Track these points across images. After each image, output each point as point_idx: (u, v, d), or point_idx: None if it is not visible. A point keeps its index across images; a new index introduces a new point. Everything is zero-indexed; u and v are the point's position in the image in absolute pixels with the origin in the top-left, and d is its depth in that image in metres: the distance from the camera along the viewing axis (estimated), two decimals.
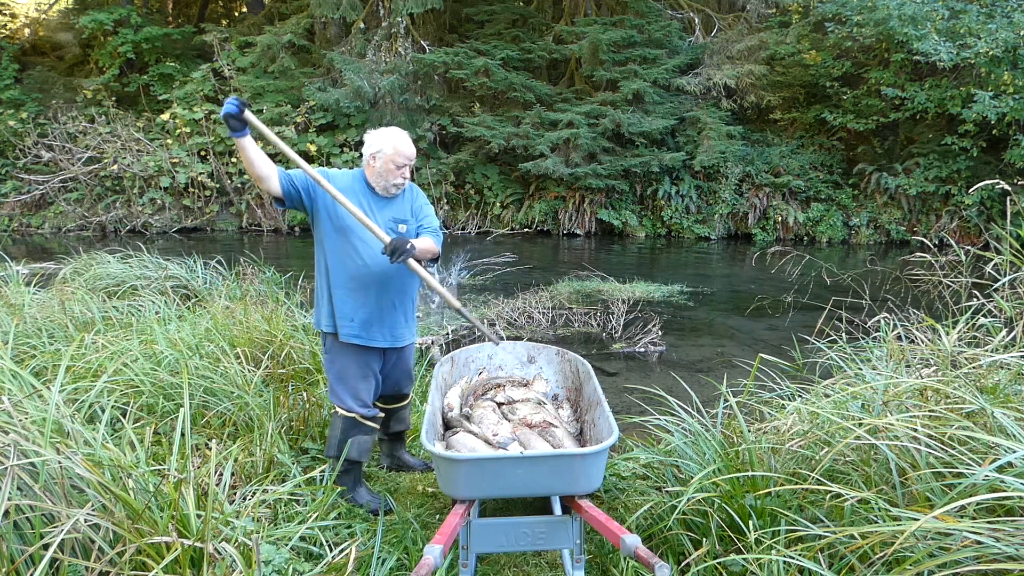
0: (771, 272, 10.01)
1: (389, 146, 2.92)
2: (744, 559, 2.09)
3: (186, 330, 4.07)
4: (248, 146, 2.68)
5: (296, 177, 2.86)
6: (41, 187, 14.76)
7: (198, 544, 2.03)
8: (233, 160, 14.72)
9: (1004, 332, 2.89)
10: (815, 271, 8.24)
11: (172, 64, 16.03)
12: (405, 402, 3.43)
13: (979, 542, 1.67)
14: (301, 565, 2.30)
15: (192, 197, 14.77)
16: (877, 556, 1.85)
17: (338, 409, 3.05)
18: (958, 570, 1.64)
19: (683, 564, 2.26)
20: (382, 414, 3.23)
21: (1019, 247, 3.03)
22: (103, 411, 2.99)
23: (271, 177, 2.79)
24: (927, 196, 13.45)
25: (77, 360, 3.34)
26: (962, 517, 1.81)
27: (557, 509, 2.82)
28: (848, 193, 14.15)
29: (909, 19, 11.79)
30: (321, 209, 2.93)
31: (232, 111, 2.56)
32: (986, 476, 1.84)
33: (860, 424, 2.28)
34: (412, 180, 3.13)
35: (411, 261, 2.78)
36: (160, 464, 2.62)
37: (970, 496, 1.82)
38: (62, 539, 1.89)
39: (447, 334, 6.22)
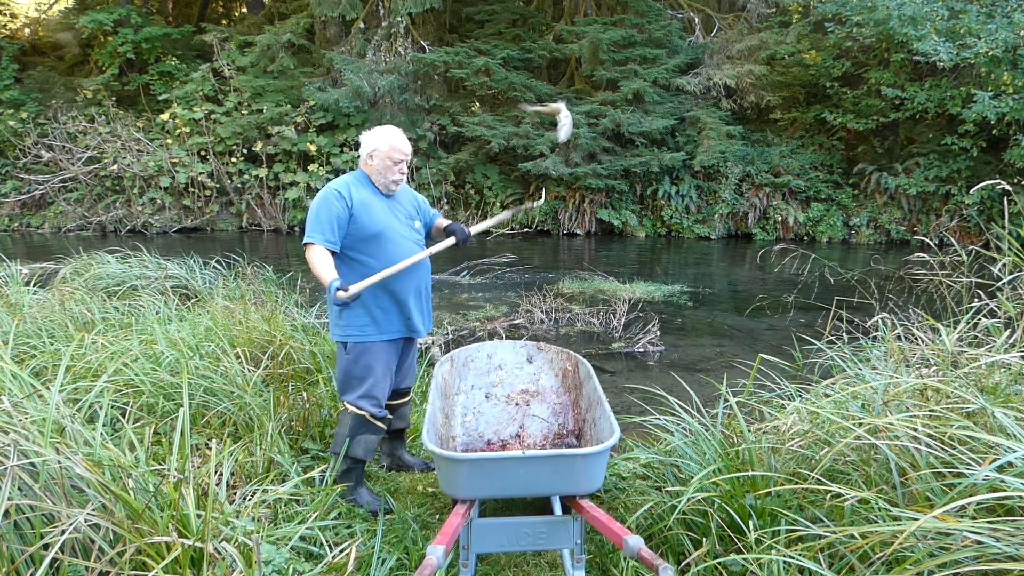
0: (771, 272, 10.01)
1: (384, 143, 3.00)
2: (744, 559, 2.09)
3: (186, 330, 4.07)
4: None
5: (334, 238, 2.96)
6: (41, 187, 14.77)
7: (198, 544, 2.03)
8: (233, 160, 14.73)
9: (1005, 333, 2.89)
10: (817, 270, 8.26)
11: (173, 62, 16.03)
12: (407, 398, 3.45)
13: (979, 542, 1.67)
14: (301, 565, 2.29)
15: (192, 197, 14.77)
16: (877, 556, 1.85)
17: (348, 406, 3.05)
18: (958, 570, 1.64)
19: (683, 564, 2.26)
20: (391, 416, 3.23)
21: (1021, 247, 3.03)
22: (103, 411, 2.99)
23: (328, 254, 2.96)
24: (927, 196, 13.45)
25: (77, 360, 3.33)
26: (962, 517, 1.81)
27: (557, 509, 2.82)
28: (848, 193, 14.15)
29: (909, 19, 11.79)
30: (351, 228, 3.00)
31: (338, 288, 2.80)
32: (986, 476, 1.84)
33: (860, 424, 2.28)
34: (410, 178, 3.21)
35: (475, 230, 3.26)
36: (160, 464, 2.62)
37: (970, 496, 1.82)
38: (63, 539, 1.89)
39: (447, 334, 6.22)
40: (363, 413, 3.04)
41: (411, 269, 3.01)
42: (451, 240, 3.16)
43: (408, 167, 3.11)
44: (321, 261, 2.93)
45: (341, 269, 2.99)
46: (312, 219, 2.97)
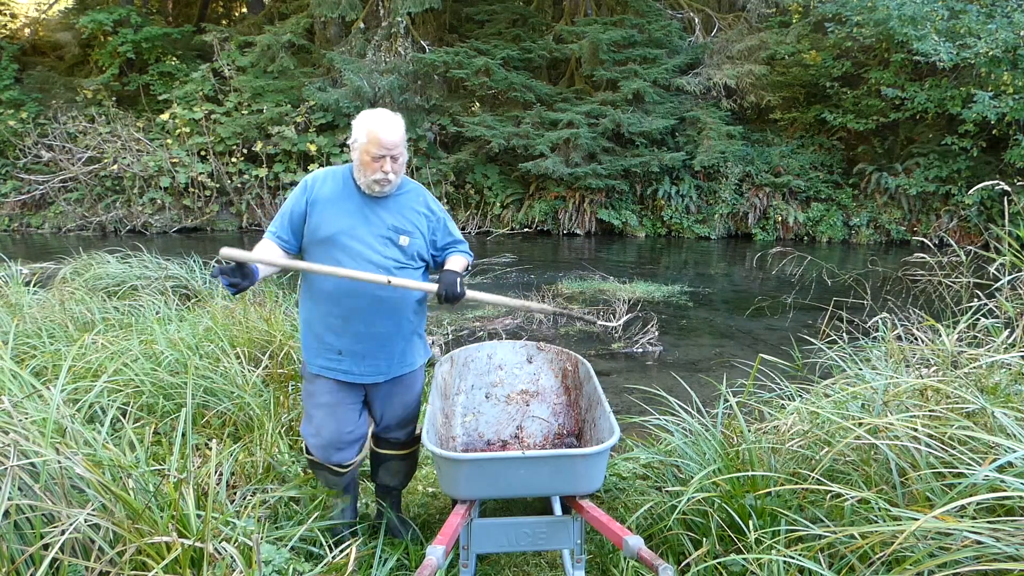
0: (771, 272, 10.01)
1: (363, 132, 2.41)
2: (744, 559, 2.09)
3: (186, 330, 4.07)
4: (262, 274, 2.38)
5: (283, 233, 2.51)
6: (41, 187, 14.76)
7: (198, 544, 2.03)
8: (233, 160, 14.72)
9: (1005, 332, 2.89)
10: (816, 271, 8.26)
11: (173, 62, 16.02)
12: (395, 452, 2.75)
13: (979, 542, 1.67)
14: (301, 565, 2.29)
15: (192, 197, 14.76)
16: (877, 556, 1.85)
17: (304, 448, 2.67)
18: (958, 570, 1.64)
19: (683, 564, 2.26)
20: (356, 460, 2.68)
21: (1020, 247, 3.03)
22: (103, 411, 2.99)
23: (279, 255, 2.50)
24: (927, 196, 13.45)
25: (77, 360, 3.33)
26: (962, 517, 1.81)
27: (558, 509, 2.82)
28: (848, 193, 14.15)
29: (909, 19, 11.78)
30: (305, 229, 2.52)
31: (227, 280, 2.26)
32: (986, 476, 1.84)
33: (860, 424, 2.28)
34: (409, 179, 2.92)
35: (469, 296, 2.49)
36: (160, 464, 2.62)
37: (970, 496, 1.82)
38: (63, 539, 1.89)
39: (447, 334, 6.22)
40: (311, 457, 2.62)
41: (351, 295, 2.41)
42: (431, 287, 2.48)
43: (402, 165, 2.47)
44: (259, 247, 2.49)
45: (308, 283, 2.56)
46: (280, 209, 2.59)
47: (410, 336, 2.61)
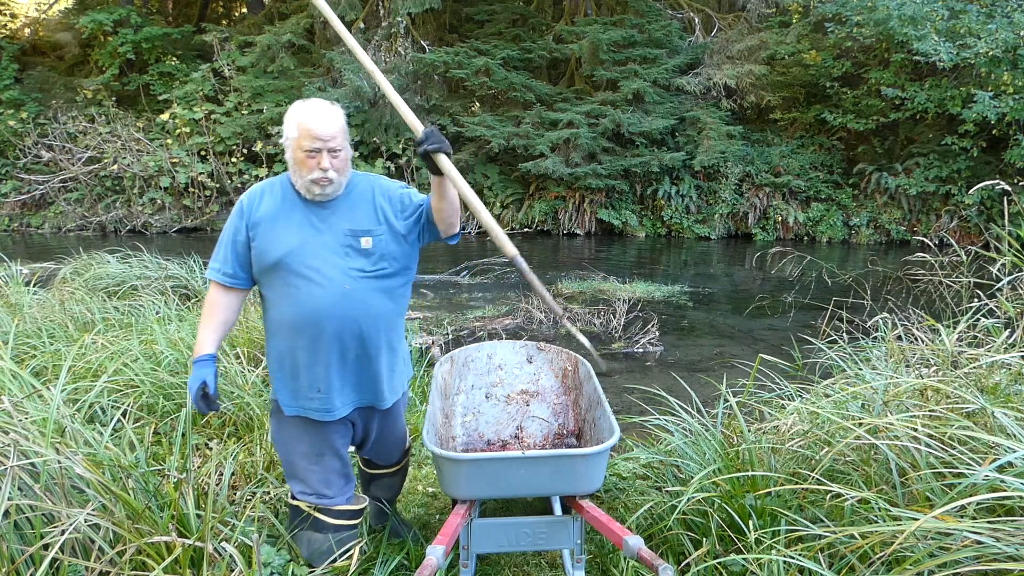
0: (771, 272, 10.00)
1: (292, 126, 2.09)
2: (744, 559, 2.09)
3: (186, 330, 4.07)
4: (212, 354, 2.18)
5: (229, 268, 2.20)
6: (41, 187, 14.76)
7: (198, 544, 2.03)
8: (233, 160, 14.72)
9: (1005, 333, 2.89)
10: (816, 271, 8.25)
11: (173, 62, 16.02)
12: (389, 470, 2.62)
13: (979, 542, 1.67)
14: (300, 569, 2.29)
15: (192, 197, 14.76)
16: (877, 556, 1.85)
17: (291, 495, 2.36)
18: (958, 570, 1.64)
19: (683, 564, 2.26)
20: (356, 505, 2.39)
21: (1020, 247, 3.03)
22: (103, 411, 2.99)
23: (234, 299, 2.23)
24: (927, 196, 13.45)
25: (77, 360, 3.34)
26: (962, 517, 1.81)
27: (557, 509, 2.82)
28: (848, 193, 14.15)
29: (909, 19, 11.78)
30: (254, 254, 2.18)
31: (203, 393, 2.10)
32: (986, 476, 1.84)
33: (860, 424, 2.28)
34: (391, 174, 2.51)
35: (445, 163, 2.06)
36: (160, 464, 2.62)
37: (970, 496, 1.82)
38: (63, 539, 1.89)
39: (447, 334, 6.22)
40: (297, 503, 2.31)
41: (313, 323, 2.11)
42: (435, 188, 2.15)
43: (345, 161, 2.13)
44: (206, 312, 2.20)
45: (267, 314, 2.22)
46: (219, 241, 2.22)
47: (393, 352, 2.31)
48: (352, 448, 2.47)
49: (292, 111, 2.10)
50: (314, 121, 2.05)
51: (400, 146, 14.65)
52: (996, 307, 3.10)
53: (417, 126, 2.08)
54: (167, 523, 2.11)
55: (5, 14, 19.00)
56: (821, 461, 2.24)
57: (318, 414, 2.21)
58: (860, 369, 3.07)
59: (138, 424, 2.99)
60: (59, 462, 2.11)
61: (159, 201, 14.62)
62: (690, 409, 2.98)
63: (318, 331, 2.12)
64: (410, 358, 2.52)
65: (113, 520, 2.05)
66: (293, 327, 2.14)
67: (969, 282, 3.30)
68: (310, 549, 2.30)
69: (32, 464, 2.09)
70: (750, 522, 2.23)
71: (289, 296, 2.12)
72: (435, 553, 1.92)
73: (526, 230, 14.90)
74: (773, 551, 2.02)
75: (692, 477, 2.47)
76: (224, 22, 20.56)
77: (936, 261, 3.60)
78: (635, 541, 1.98)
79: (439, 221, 2.27)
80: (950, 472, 2.00)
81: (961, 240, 12.43)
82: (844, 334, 3.79)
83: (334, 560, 2.27)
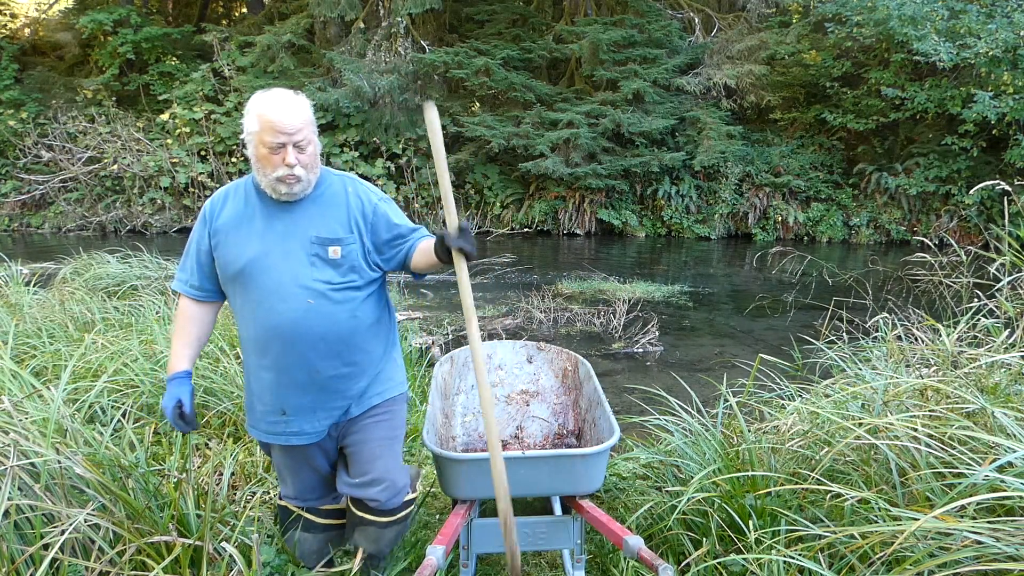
0: (771, 272, 10.01)
1: (253, 119, 1.88)
2: (744, 559, 2.09)
3: None
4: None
5: (195, 279, 2.05)
6: (41, 187, 14.76)
7: (198, 544, 2.03)
8: (233, 160, 14.72)
9: (1005, 333, 2.89)
10: (816, 271, 8.25)
11: (173, 62, 16.02)
12: (380, 518, 2.13)
13: (979, 542, 1.67)
14: (301, 570, 2.29)
15: (192, 197, 14.76)
16: (877, 556, 1.85)
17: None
18: (958, 570, 1.64)
19: (683, 564, 2.26)
20: (335, 504, 2.24)
21: (1019, 247, 3.03)
22: (103, 411, 2.99)
23: (207, 313, 2.09)
24: (927, 196, 13.45)
25: (77, 360, 3.33)
26: (962, 517, 1.81)
27: (558, 509, 2.82)
28: (848, 193, 14.15)
29: (909, 19, 11.79)
30: (216, 266, 2.03)
31: (179, 413, 1.97)
32: (986, 476, 1.84)
33: (860, 424, 2.28)
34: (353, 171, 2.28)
35: (464, 268, 1.90)
36: (160, 464, 2.62)
37: (970, 496, 1.82)
38: (63, 539, 1.89)
39: (447, 334, 6.22)
40: (283, 502, 2.25)
41: (279, 338, 1.92)
42: (433, 260, 1.95)
43: (313, 156, 1.95)
44: (179, 326, 2.06)
45: (237, 328, 2.08)
46: (185, 250, 2.10)
47: (376, 370, 2.10)
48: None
49: (252, 103, 1.89)
50: (276, 112, 1.84)
51: (400, 146, 14.64)
52: (996, 307, 3.10)
53: (454, 219, 1.86)
54: (167, 523, 2.11)
55: (5, 14, 19.00)
56: (821, 461, 2.24)
57: (284, 438, 2.03)
58: (860, 369, 3.07)
59: (138, 424, 2.99)
60: (59, 462, 2.11)
61: (159, 201, 14.62)
62: (690, 409, 2.98)
63: (281, 349, 1.93)
64: (402, 360, 2.27)
65: (113, 520, 2.05)
66: (257, 345, 1.97)
67: (969, 282, 3.30)
68: (301, 550, 2.23)
69: (32, 464, 2.09)
70: (750, 522, 2.23)
71: (251, 311, 1.95)
72: (435, 553, 1.92)
73: (526, 230, 14.90)
74: (773, 551, 2.02)
75: (692, 477, 2.47)
76: (224, 22, 20.56)
77: (936, 261, 3.60)
78: (635, 541, 1.98)
79: (413, 267, 2.07)
80: (950, 472, 2.00)
81: (961, 240, 12.43)
82: (844, 334, 3.79)
83: (330, 561, 2.26)
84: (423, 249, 2.01)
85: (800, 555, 1.94)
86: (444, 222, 1.89)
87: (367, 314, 2.04)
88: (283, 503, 2.24)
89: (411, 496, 2.20)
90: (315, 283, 1.94)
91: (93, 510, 2.04)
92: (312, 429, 2.03)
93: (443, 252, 1.90)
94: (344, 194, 2.03)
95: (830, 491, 2.12)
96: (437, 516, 3.03)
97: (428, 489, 3.30)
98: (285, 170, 1.88)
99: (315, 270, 1.94)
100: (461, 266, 1.90)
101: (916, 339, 3.30)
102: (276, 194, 1.94)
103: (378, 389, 2.11)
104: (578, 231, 14.71)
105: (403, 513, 2.17)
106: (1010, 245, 3.06)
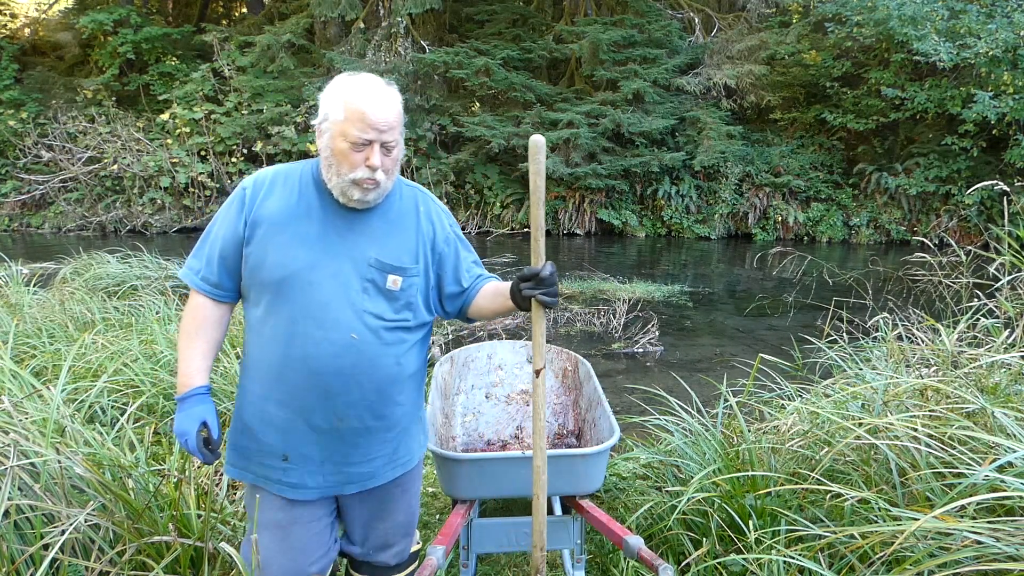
0: (771, 272, 10.01)
1: (338, 106, 1.57)
2: (744, 559, 2.09)
3: None
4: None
5: (213, 275, 1.67)
6: (41, 187, 14.76)
7: (198, 544, 2.03)
8: (233, 160, 14.73)
9: (1005, 332, 2.89)
10: (816, 271, 8.26)
11: (173, 62, 16.03)
12: (389, 575, 1.95)
13: (979, 542, 1.67)
14: None
15: (192, 197, 14.76)
16: (877, 556, 1.85)
17: None
18: (958, 570, 1.64)
19: (683, 564, 2.26)
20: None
21: (1019, 247, 3.03)
22: (103, 411, 2.99)
23: (224, 314, 1.72)
24: (927, 196, 13.45)
25: (77, 360, 3.33)
26: (962, 517, 1.81)
27: (557, 509, 2.82)
28: (848, 193, 14.16)
29: (909, 19, 11.79)
30: (243, 268, 1.66)
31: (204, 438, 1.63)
32: (986, 476, 1.84)
33: (860, 424, 2.28)
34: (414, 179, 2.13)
35: (541, 317, 1.60)
36: (160, 464, 2.62)
37: (970, 496, 1.82)
38: (63, 539, 1.89)
39: (447, 334, 6.22)
40: None
41: (309, 372, 1.59)
42: (506, 304, 1.69)
43: (396, 161, 1.63)
44: (191, 329, 1.67)
45: (248, 341, 1.70)
46: (203, 235, 1.72)
47: (407, 425, 1.78)
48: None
49: (339, 87, 1.60)
50: (370, 103, 1.54)
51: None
52: (996, 307, 3.10)
53: (540, 260, 1.56)
54: (167, 523, 2.11)
55: (5, 14, 19.00)
56: (821, 461, 2.25)
57: (278, 487, 1.69)
58: (860, 369, 3.07)
59: (138, 424, 2.99)
60: (59, 462, 2.11)
61: (159, 201, 14.62)
62: (690, 409, 2.98)
63: (303, 385, 1.60)
64: (425, 414, 1.97)
65: (113, 520, 2.05)
66: (271, 371, 1.62)
67: (969, 282, 3.30)
68: None
69: (32, 464, 2.09)
70: (750, 522, 2.23)
71: (277, 331, 1.60)
72: (435, 553, 1.92)
73: (526, 230, 14.89)
74: (773, 551, 2.02)
75: (692, 477, 2.47)
76: (224, 22, 20.56)
77: (936, 261, 3.60)
78: (635, 541, 1.98)
79: (471, 314, 1.82)
80: (950, 472, 2.00)
81: (961, 240, 12.43)
82: (844, 334, 3.79)
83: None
84: (489, 292, 1.76)
85: (800, 555, 1.94)
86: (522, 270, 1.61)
87: (411, 363, 1.73)
88: None
89: (417, 548, 2.04)
90: (365, 315, 1.62)
91: (93, 510, 2.04)
92: (316, 485, 1.70)
93: (522, 299, 1.62)
94: (415, 214, 1.72)
95: (830, 491, 2.12)
96: (437, 516, 3.03)
97: (428, 489, 3.30)
98: (366, 172, 1.56)
99: (367, 299, 1.62)
100: (539, 319, 1.60)
101: (916, 339, 3.30)
102: (345, 198, 1.60)
103: (404, 456, 1.80)
104: (578, 231, 14.71)
105: (411, 568, 1.99)
106: (1010, 245, 3.06)
